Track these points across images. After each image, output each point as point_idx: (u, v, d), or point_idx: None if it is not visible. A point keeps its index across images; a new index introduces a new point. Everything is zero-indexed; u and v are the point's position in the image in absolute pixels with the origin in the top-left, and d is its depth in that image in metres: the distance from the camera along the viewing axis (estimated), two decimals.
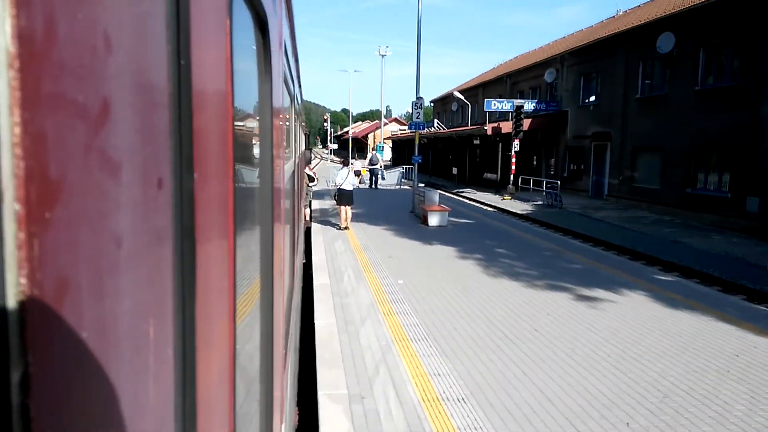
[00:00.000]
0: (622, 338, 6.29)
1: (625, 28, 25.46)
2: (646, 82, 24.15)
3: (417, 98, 17.28)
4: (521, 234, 14.18)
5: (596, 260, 11.18)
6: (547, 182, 28.01)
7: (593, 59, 28.16)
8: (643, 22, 23.71)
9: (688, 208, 20.67)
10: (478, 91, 46.19)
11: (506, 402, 4.48)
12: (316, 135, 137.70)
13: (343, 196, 12.51)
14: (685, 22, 20.83)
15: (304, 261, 8.27)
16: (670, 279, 10.19)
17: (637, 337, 6.37)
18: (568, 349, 5.83)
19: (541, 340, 6.04)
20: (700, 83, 20.54)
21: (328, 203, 17.26)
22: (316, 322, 5.96)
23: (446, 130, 46.01)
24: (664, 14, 22.26)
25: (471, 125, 42.58)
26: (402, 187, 29.01)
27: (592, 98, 28.52)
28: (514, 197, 28.38)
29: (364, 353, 5.23)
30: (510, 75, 40.01)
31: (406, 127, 75.72)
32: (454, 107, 52.80)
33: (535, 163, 34.59)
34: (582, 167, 29.01)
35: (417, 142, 17.98)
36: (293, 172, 4.08)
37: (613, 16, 34.73)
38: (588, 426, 4.19)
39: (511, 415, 4.26)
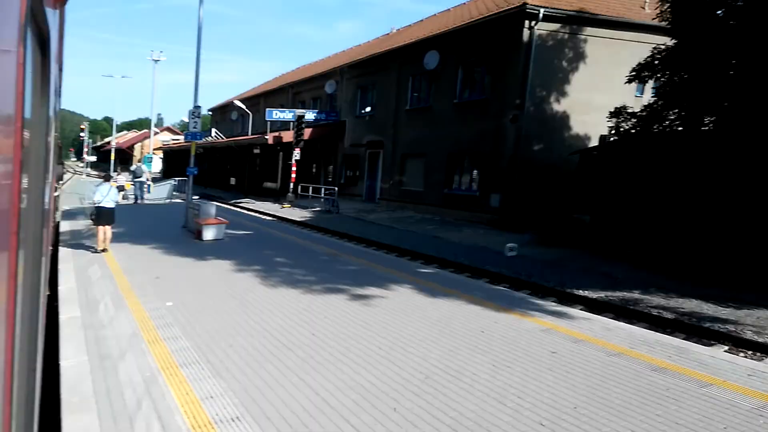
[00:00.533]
0: (392, 330, 6.76)
1: (397, 45, 27.82)
2: (415, 95, 26.67)
3: (195, 107, 16.31)
4: (300, 241, 14.38)
5: (369, 260, 11.88)
6: (325, 189, 28.97)
7: (370, 73, 30.07)
8: (413, 40, 26.18)
9: (447, 206, 23.33)
10: (260, 100, 45.79)
11: (284, 412, 4.44)
12: (69, 147, 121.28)
13: (102, 216, 11.13)
14: (448, 41, 23.50)
15: (48, 293, 7.13)
16: (430, 271, 11.32)
17: (403, 327, 6.91)
18: (343, 348, 6.05)
19: (318, 343, 6.16)
20: (458, 96, 23.40)
21: (82, 223, 15.26)
22: (62, 363, 5.17)
23: (225, 139, 44.53)
24: (430, 34, 24.88)
25: (252, 134, 41.92)
26: (173, 200, 27.15)
27: (368, 109, 30.43)
28: (293, 205, 28.71)
29: (124, 390, 4.69)
30: (292, 85, 40.56)
31: (180, 137, 71.26)
32: (233, 116, 51.43)
33: (314, 170, 35.53)
34: (357, 173, 30.71)
35: (193, 152, 16.97)
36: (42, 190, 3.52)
37: (388, 33, 37.59)
38: (361, 419, 4.38)
39: (289, 424, 4.23)
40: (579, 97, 20.56)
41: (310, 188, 30.66)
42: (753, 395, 5.01)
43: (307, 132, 29.81)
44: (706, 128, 13.36)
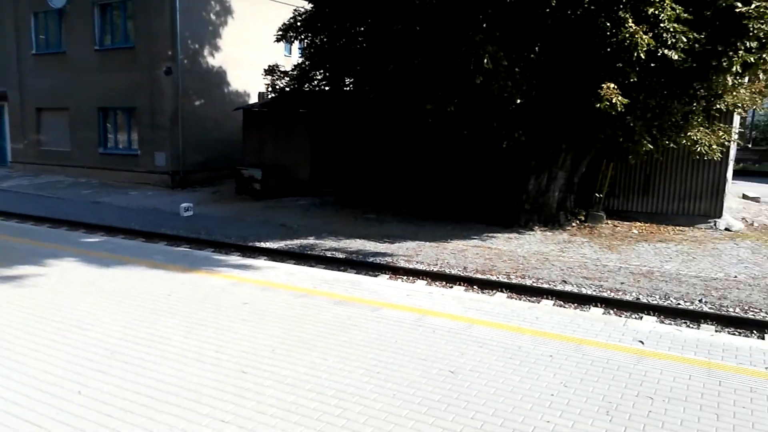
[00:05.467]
0: (62, 311, 5.76)
1: None
2: (41, 37, 22.14)
3: None
4: None
5: (11, 234, 9.79)
6: None
7: None
8: None
9: (105, 168, 20.77)
10: None
11: None
12: None
13: None
14: None
15: None
16: (96, 240, 10.03)
17: (75, 304, 5.96)
18: (22, 344, 4.88)
19: None
20: (99, 42, 20.45)
21: None
22: None
23: None
24: None
25: None
26: None
27: None
28: None
29: None
30: None
31: None
32: None
33: None
34: None
35: None
36: None
37: None
38: (37, 411, 3.64)
39: None
40: (233, 53, 20.52)
41: None
42: (412, 310, 6.06)
43: None
44: (348, 88, 15.11)
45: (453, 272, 9.10)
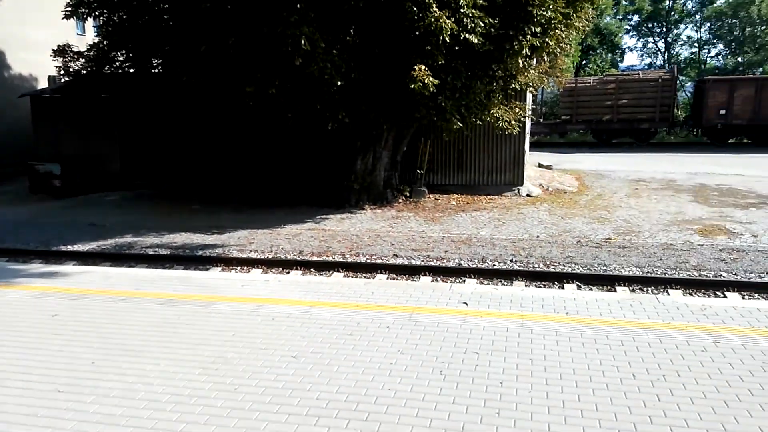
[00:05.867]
0: None
1: None
2: None
3: None
4: None
5: None
6: None
7: None
8: None
9: None
10: None
11: None
12: None
13: None
14: None
15: None
16: None
17: None
18: None
19: None
20: None
21: None
22: None
23: None
24: None
25: None
26: None
27: None
28: None
29: None
30: None
31: None
32: None
33: None
34: None
35: None
36: None
37: None
38: None
39: None
40: (13, 31, 17.77)
41: None
42: (249, 301, 5.87)
43: None
44: (157, 70, 13.90)
45: (289, 257, 9.01)
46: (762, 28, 38.53)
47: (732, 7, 39.48)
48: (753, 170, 17.33)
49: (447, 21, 9.55)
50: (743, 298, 6.83)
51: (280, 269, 8.49)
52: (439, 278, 7.96)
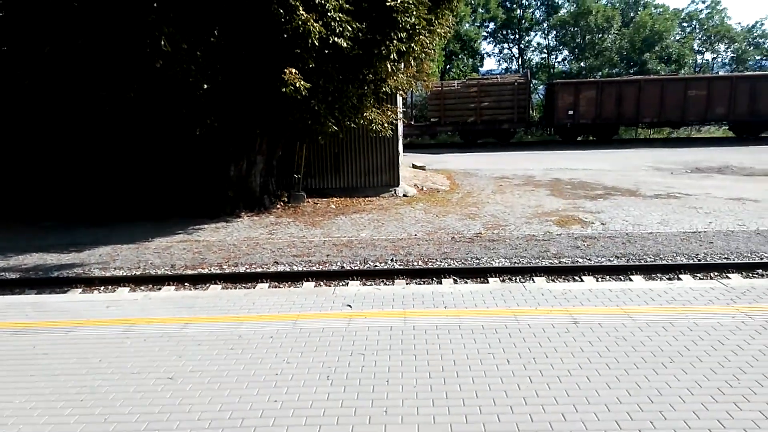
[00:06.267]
0: None
1: None
2: None
3: None
4: None
5: None
6: None
7: None
8: None
9: None
10: None
11: None
12: None
13: None
14: None
15: None
16: None
17: None
18: None
19: None
20: None
21: None
22: None
23: None
24: None
25: None
26: None
27: None
28: None
29: None
30: None
31: None
32: None
33: None
34: None
35: None
36: None
37: None
38: None
39: None
40: None
41: None
42: (116, 323, 5.40)
43: None
44: None
45: (159, 272, 8.44)
46: (599, 35, 43.30)
47: (573, 17, 43.91)
48: (598, 164, 19.40)
49: (315, 24, 9.53)
50: (597, 281, 7.60)
51: (151, 286, 7.93)
52: (322, 283, 7.91)
